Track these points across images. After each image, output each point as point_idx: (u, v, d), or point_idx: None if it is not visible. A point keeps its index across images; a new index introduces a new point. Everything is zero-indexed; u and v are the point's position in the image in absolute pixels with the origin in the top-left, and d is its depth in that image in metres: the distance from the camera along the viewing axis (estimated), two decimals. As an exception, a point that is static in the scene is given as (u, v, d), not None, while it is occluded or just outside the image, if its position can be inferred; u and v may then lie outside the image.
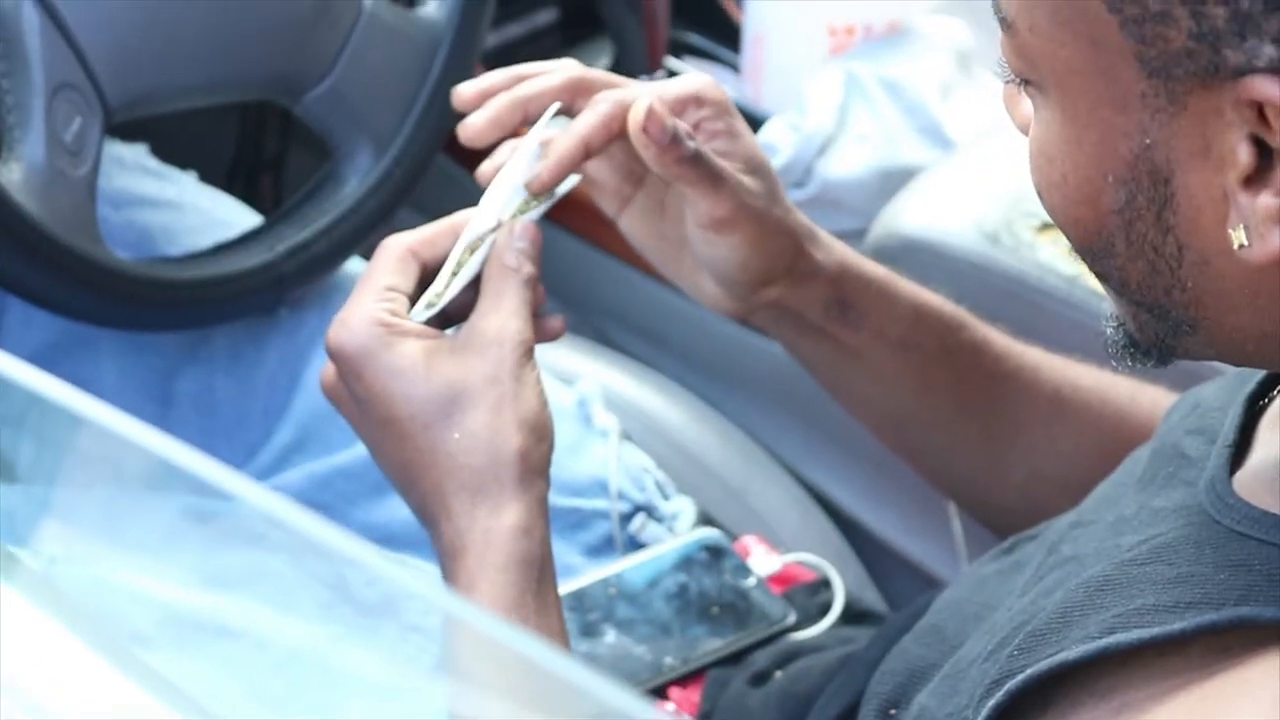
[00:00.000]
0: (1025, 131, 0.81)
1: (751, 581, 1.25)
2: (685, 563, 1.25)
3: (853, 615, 1.27)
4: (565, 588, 1.21)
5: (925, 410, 1.15)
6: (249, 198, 1.63)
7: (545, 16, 1.89)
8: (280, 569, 1.21)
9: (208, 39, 1.17)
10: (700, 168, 0.99)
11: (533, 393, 0.95)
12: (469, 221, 1.00)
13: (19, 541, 1.10)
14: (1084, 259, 0.80)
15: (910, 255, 1.43)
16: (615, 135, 1.00)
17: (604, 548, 1.28)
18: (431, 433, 0.94)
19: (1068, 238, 0.80)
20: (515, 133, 1.04)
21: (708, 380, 1.61)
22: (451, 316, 1.00)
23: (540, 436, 0.95)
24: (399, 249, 0.99)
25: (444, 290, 0.99)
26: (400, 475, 0.96)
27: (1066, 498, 1.03)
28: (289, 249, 1.23)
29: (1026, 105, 0.80)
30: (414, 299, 0.98)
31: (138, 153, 1.38)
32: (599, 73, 1.06)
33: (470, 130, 1.03)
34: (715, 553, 1.26)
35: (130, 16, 1.12)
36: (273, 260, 1.22)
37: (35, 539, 1.12)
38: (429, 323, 0.98)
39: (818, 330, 1.10)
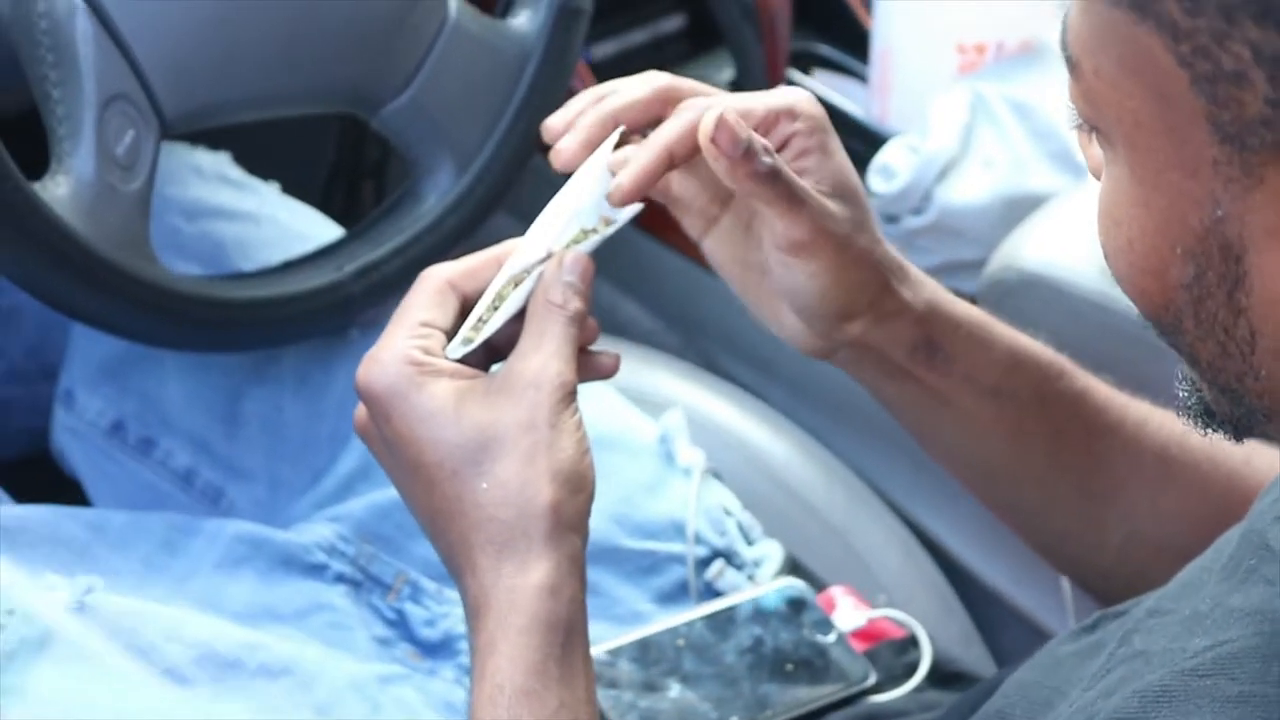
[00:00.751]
0: (1094, 174, 0.73)
1: (832, 637, 1.17)
2: (762, 614, 1.18)
3: (943, 677, 1.19)
4: (631, 637, 1.15)
5: (1018, 463, 1.07)
6: (349, 206, 1.59)
7: (671, 24, 1.83)
8: (339, 602, 1.17)
9: (273, 50, 1.12)
10: (777, 186, 0.91)
11: (570, 441, 0.88)
12: (514, 251, 0.94)
13: (60, 567, 1.07)
14: (1154, 329, 0.72)
15: (1028, 291, 1.35)
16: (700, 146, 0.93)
17: (677, 595, 1.21)
18: (459, 481, 0.87)
19: (1135, 306, 0.72)
20: None
21: (816, 413, 1.54)
22: (499, 351, 0.93)
23: (576, 488, 0.88)
24: (437, 281, 0.93)
25: (482, 325, 0.92)
26: (428, 523, 0.91)
27: (1166, 563, 0.94)
28: (359, 268, 1.18)
29: (1094, 146, 0.72)
30: (452, 335, 0.92)
31: (219, 161, 1.34)
32: (689, 81, 0.98)
33: (563, 156, 0.95)
34: (796, 605, 1.19)
35: (189, 27, 1.08)
36: (340, 280, 1.17)
37: (78, 565, 1.09)
38: (468, 360, 0.92)
39: (903, 373, 1.02)
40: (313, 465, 1.24)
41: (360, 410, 0.93)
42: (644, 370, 1.51)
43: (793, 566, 1.28)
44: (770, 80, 1.62)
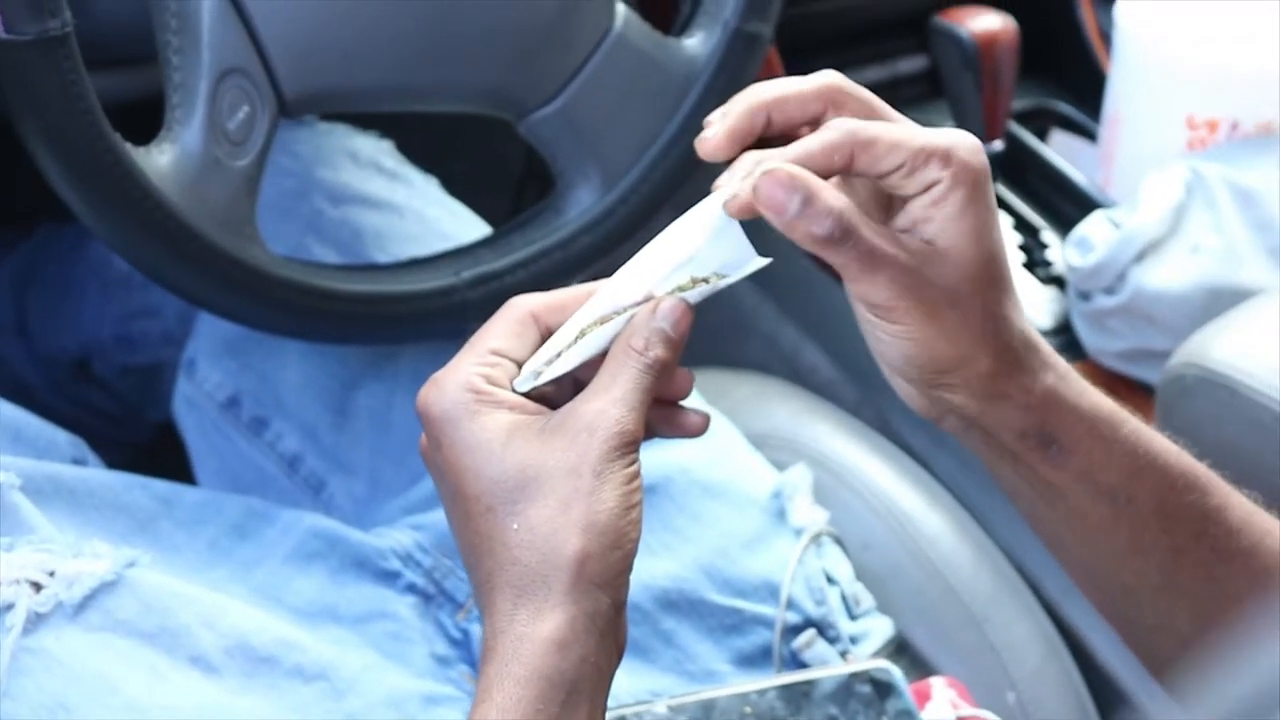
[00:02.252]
0: None
1: (914, 730, 1.09)
2: (842, 693, 1.10)
3: (1037, 792, 1.10)
4: (697, 695, 1.09)
5: (1130, 575, 0.96)
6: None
7: (912, 65, 1.76)
8: (405, 613, 1.14)
9: (410, 43, 1.09)
10: (845, 249, 0.81)
11: (615, 493, 0.82)
12: (605, 289, 0.87)
13: (116, 536, 1.06)
14: None
15: (1207, 391, 1.24)
16: (838, 169, 0.83)
17: (759, 659, 1.15)
18: (493, 518, 0.82)
19: None
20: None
21: (982, 491, 1.45)
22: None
23: (612, 545, 0.82)
24: (520, 311, 0.88)
25: (555, 359, 0.86)
26: (464, 555, 0.86)
27: None
28: (477, 276, 1.15)
29: None
30: None
31: (379, 148, 1.32)
32: (860, 90, 0.88)
33: (706, 145, 0.86)
34: (883, 689, 1.11)
35: (320, 9, 1.05)
36: (454, 285, 1.14)
37: (138, 536, 1.08)
38: (543, 397, 0.87)
39: (1012, 455, 0.92)
40: (413, 469, 1.21)
41: (424, 437, 0.89)
42: (806, 420, 1.44)
43: (899, 648, 1.20)
44: (988, 135, 1.53)
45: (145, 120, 1.06)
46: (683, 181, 1.22)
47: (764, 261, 0.86)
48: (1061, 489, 0.92)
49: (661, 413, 0.88)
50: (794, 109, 0.86)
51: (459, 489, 0.84)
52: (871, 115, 0.85)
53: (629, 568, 0.83)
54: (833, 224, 0.80)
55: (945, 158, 0.83)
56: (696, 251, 0.86)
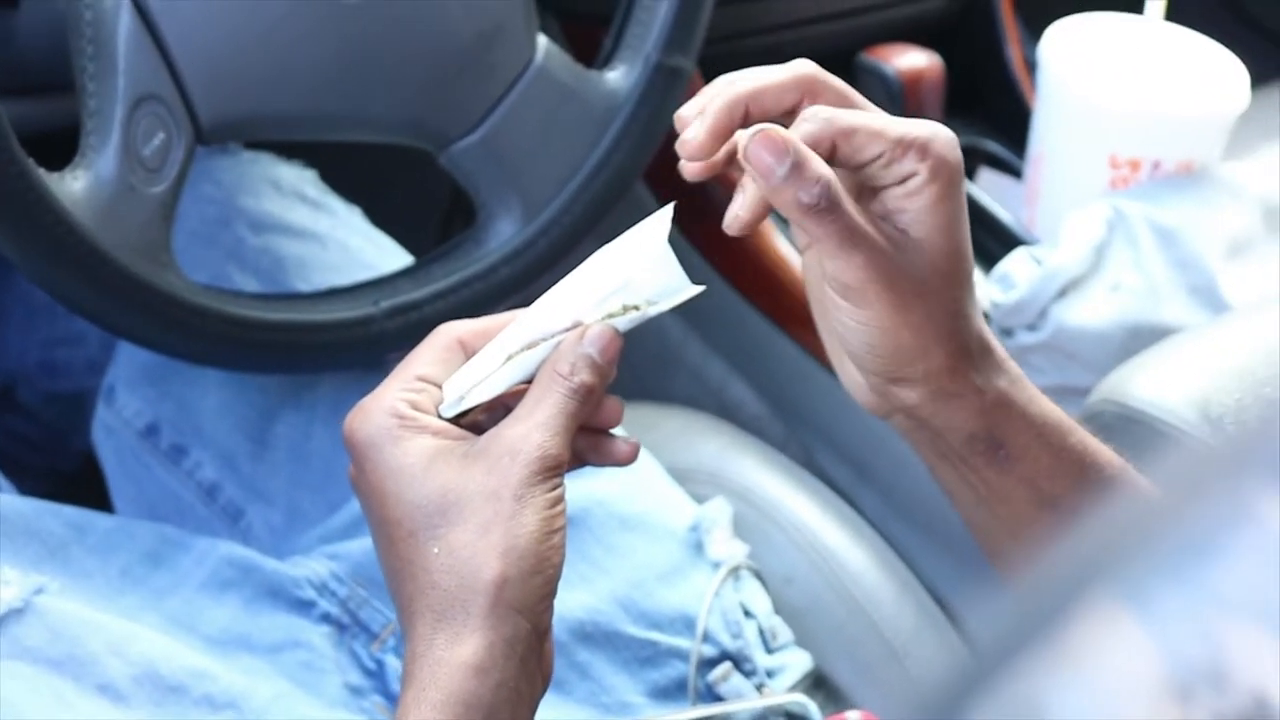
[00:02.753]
0: None
1: (828, 766, 1.09)
2: (756, 728, 1.11)
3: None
4: (611, 728, 1.09)
5: None
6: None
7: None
8: (318, 642, 1.13)
9: (328, 72, 1.09)
10: (826, 221, 0.80)
11: (535, 518, 0.81)
12: (533, 313, 0.87)
13: (25, 563, 1.05)
14: None
15: (1125, 428, 1.25)
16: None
17: (673, 692, 1.14)
18: (414, 542, 0.82)
19: None
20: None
21: (906, 526, 1.46)
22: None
23: (533, 569, 0.81)
24: (447, 338, 0.88)
25: (480, 384, 0.86)
26: (388, 581, 0.86)
27: None
28: (395, 306, 1.14)
29: None
30: None
31: (301, 178, 1.32)
32: (834, 80, 0.86)
33: (689, 146, 0.83)
34: (796, 722, 1.11)
35: (236, 37, 1.05)
36: (372, 315, 1.14)
37: (48, 562, 1.07)
38: (469, 423, 0.87)
39: (959, 458, 0.91)
40: (330, 498, 1.21)
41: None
42: (731, 454, 1.44)
43: (816, 683, 1.20)
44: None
45: (63, 149, 1.06)
46: (604, 213, 1.22)
47: (696, 290, 0.86)
48: (1005, 494, 0.91)
49: (590, 440, 0.88)
50: (771, 100, 0.84)
51: (382, 514, 0.84)
52: (846, 104, 0.84)
53: (551, 593, 0.83)
54: (820, 191, 0.79)
55: (923, 150, 0.82)
56: (629, 279, 0.85)
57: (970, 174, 1.71)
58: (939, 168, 0.82)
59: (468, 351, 0.88)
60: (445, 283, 1.17)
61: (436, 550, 0.81)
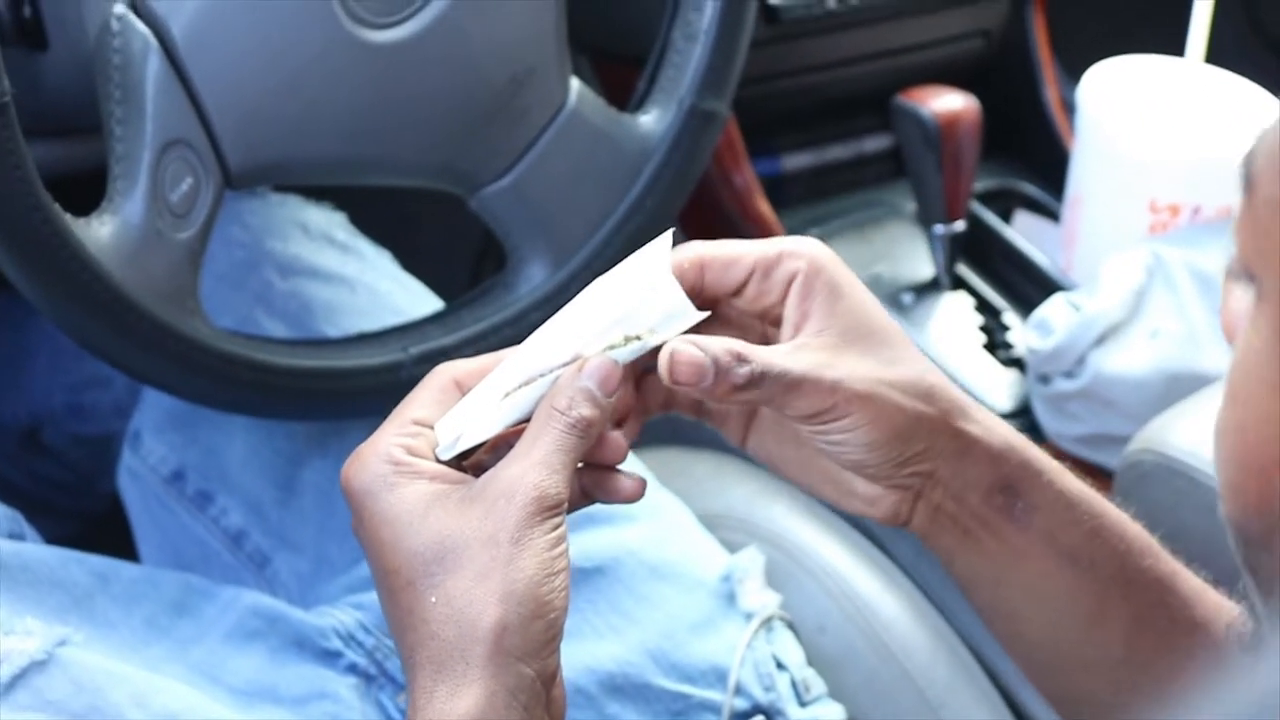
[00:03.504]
0: (1226, 331, 0.64)
1: (860, 823, 1.07)
2: (789, 784, 1.09)
3: None
4: (640, 782, 1.07)
5: (1093, 648, 0.94)
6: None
7: (876, 143, 1.75)
8: (345, 694, 1.12)
9: (357, 117, 1.07)
10: (766, 385, 0.83)
11: (534, 561, 0.79)
12: (529, 348, 0.85)
13: (49, 613, 1.04)
14: (1231, 534, 0.62)
15: (1164, 478, 1.23)
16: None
17: (705, 746, 1.13)
18: (413, 592, 0.80)
19: (1224, 515, 0.62)
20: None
21: (940, 575, 1.43)
22: None
23: (533, 614, 0.79)
24: (443, 379, 0.86)
25: (475, 424, 0.84)
26: (392, 632, 0.84)
27: None
28: (424, 353, 1.13)
29: (1237, 297, 0.62)
30: None
31: (331, 221, 1.31)
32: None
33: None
34: (831, 778, 1.09)
35: (266, 82, 1.04)
36: (400, 361, 1.12)
37: (72, 613, 1.05)
38: (476, 465, 0.85)
39: (980, 523, 0.90)
40: (357, 547, 1.19)
41: None
42: (761, 500, 1.42)
43: (853, 735, 1.18)
44: (950, 215, 1.52)
45: (90, 192, 1.05)
46: (637, 259, 1.21)
47: (701, 316, 0.84)
48: (1026, 553, 0.91)
49: (594, 477, 0.86)
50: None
51: (381, 563, 0.82)
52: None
53: (555, 637, 0.80)
54: (749, 370, 0.82)
55: (791, 251, 0.86)
56: (630, 308, 0.84)
57: (1006, 216, 1.69)
58: (814, 262, 0.85)
59: (464, 392, 0.86)
60: (475, 329, 1.16)
61: (434, 599, 0.79)
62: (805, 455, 0.91)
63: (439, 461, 0.84)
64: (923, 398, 0.86)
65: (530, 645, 0.79)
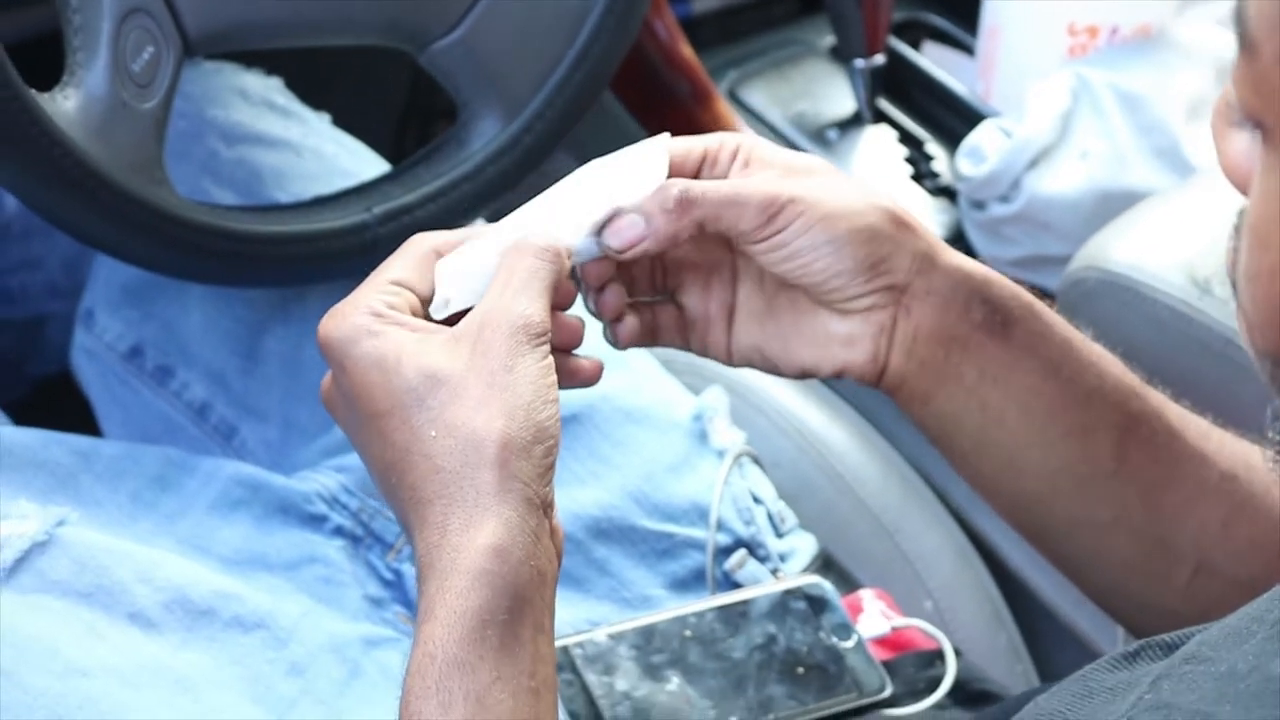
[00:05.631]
0: (1231, 177, 0.65)
1: (851, 643, 1.10)
2: (778, 611, 1.11)
3: (969, 695, 1.11)
4: (635, 622, 1.09)
5: (1085, 462, 0.96)
6: (422, 147, 1.54)
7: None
8: (334, 556, 1.12)
9: (309, -25, 1.06)
10: (706, 201, 0.87)
11: (529, 386, 0.80)
12: (520, 217, 0.87)
13: (38, 495, 1.03)
14: (1268, 367, 0.65)
15: (1109, 293, 1.26)
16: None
17: (693, 582, 1.15)
18: (409, 430, 0.80)
19: (1250, 343, 0.64)
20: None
21: (882, 403, 1.46)
22: None
23: (534, 438, 0.80)
24: (423, 247, 0.87)
25: (465, 288, 0.85)
26: (382, 482, 0.84)
27: (1242, 602, 0.85)
28: (387, 211, 1.13)
29: (1239, 143, 0.64)
30: (429, 302, 0.86)
31: (268, 86, 1.29)
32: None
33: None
34: (817, 604, 1.12)
35: (218, -57, 1.03)
36: (365, 222, 1.12)
37: (59, 493, 1.05)
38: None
39: (960, 345, 0.93)
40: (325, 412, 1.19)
41: (326, 378, 0.87)
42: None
43: (825, 564, 1.21)
44: (870, 49, 1.54)
45: (40, 61, 1.03)
46: (585, 108, 1.21)
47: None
48: (1011, 367, 0.94)
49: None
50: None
51: (369, 409, 0.82)
52: None
53: (552, 465, 0.81)
54: (677, 192, 0.87)
55: (731, 136, 0.92)
56: (621, 207, 0.87)
57: (916, 47, 1.71)
58: (736, 146, 0.91)
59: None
60: (435, 185, 1.15)
61: (434, 433, 0.80)
62: (784, 326, 0.94)
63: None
64: (874, 198, 0.90)
65: (534, 471, 0.80)
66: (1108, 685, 0.83)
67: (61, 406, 1.36)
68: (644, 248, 0.87)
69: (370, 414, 0.82)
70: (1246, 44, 0.60)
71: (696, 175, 0.91)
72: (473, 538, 0.78)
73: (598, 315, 0.91)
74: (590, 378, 0.89)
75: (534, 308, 0.81)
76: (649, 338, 0.95)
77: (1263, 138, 0.61)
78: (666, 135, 0.90)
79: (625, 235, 0.87)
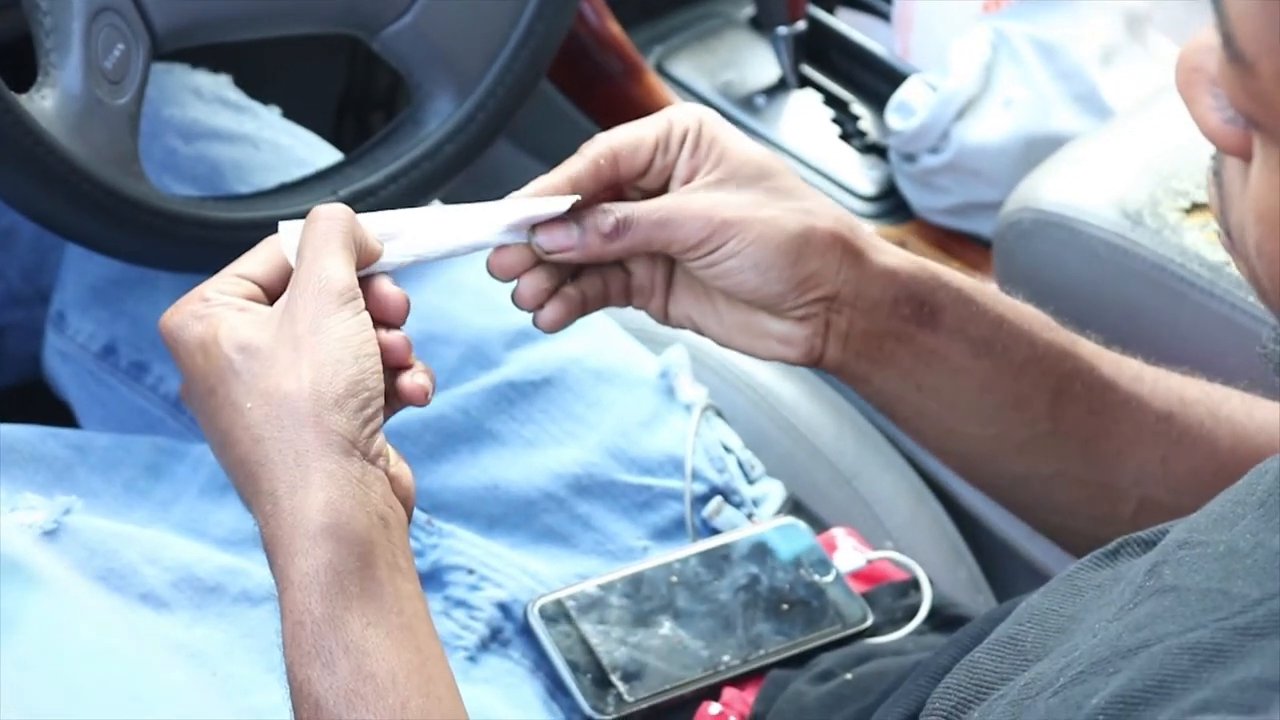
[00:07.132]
0: (1216, 142, 0.69)
1: (830, 578, 1.15)
2: (758, 553, 1.16)
3: (945, 620, 1.16)
4: (623, 572, 1.13)
5: (1022, 427, 1.02)
6: (359, 136, 1.57)
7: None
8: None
9: (268, -33, 1.09)
10: (637, 225, 0.91)
11: (338, 344, 0.82)
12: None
13: (39, 488, 1.05)
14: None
15: (1045, 232, 1.32)
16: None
17: (674, 531, 1.19)
18: (231, 407, 0.83)
19: (1267, 305, 0.69)
20: None
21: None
22: None
23: (348, 392, 0.81)
24: (271, 247, 0.89)
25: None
26: (221, 463, 0.86)
27: None
28: (352, 193, 1.16)
29: (1220, 112, 0.67)
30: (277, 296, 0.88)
31: (219, 83, 1.32)
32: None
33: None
34: (794, 544, 1.16)
35: (180, -61, 1.05)
36: (334, 205, 1.15)
37: (58, 485, 1.07)
38: None
39: (892, 336, 0.98)
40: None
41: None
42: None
43: (794, 507, 1.25)
44: (792, 16, 1.59)
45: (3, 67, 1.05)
46: (535, 83, 1.24)
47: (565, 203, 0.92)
48: (940, 352, 0.99)
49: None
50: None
51: (200, 390, 0.84)
52: None
53: (373, 418, 0.83)
54: (612, 220, 0.91)
55: (679, 117, 0.94)
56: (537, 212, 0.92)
57: (830, 12, 1.75)
58: (696, 122, 0.94)
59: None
60: (394, 166, 1.18)
61: (249, 405, 0.82)
62: (719, 309, 0.97)
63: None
64: (805, 217, 0.94)
65: (350, 423, 0.82)
66: (1095, 582, 0.88)
67: (29, 417, 1.38)
68: (569, 256, 0.91)
69: (198, 395, 0.84)
70: (1236, 56, 0.62)
71: (649, 165, 0.94)
72: (303, 499, 0.80)
73: (519, 305, 0.94)
74: (418, 397, 0.88)
75: (334, 266, 0.83)
76: (578, 314, 0.97)
77: (1260, 134, 0.64)
78: (604, 136, 0.93)
79: (556, 239, 0.91)
